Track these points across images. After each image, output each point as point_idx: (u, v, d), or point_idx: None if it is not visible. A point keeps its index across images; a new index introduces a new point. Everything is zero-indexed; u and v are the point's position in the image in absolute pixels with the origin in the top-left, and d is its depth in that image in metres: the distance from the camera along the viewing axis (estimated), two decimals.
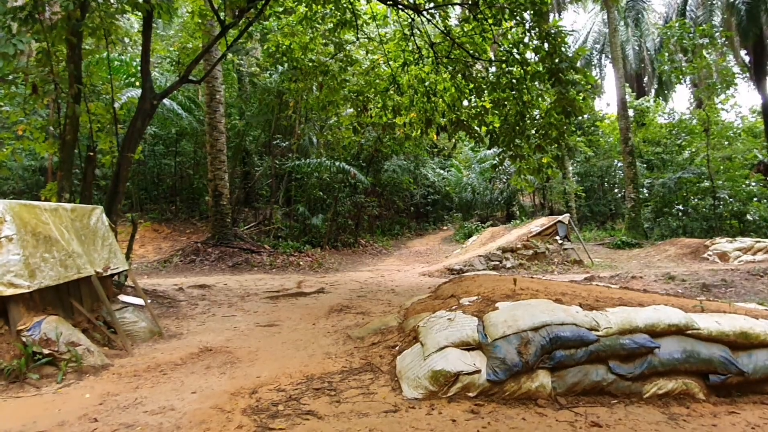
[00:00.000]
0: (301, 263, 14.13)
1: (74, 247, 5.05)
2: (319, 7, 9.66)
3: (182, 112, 16.71)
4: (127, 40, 14.44)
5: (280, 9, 10.18)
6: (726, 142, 22.60)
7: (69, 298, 5.02)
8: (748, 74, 22.22)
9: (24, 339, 4.19)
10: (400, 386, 3.84)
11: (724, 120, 23.83)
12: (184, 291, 8.85)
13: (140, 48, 9.70)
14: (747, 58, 21.72)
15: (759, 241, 14.05)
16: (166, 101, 14.56)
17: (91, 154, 7.68)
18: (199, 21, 11.49)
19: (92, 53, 9.48)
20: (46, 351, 4.18)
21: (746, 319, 4.02)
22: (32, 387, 3.96)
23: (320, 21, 10.34)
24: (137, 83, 14.37)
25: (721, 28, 20.30)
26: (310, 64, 11.11)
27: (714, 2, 21.13)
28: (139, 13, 7.57)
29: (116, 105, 9.13)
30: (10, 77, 7.54)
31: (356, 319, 6.65)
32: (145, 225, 13.49)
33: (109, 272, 5.73)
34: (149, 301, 6.39)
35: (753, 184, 19.22)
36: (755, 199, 19.04)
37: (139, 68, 11.50)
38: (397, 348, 4.59)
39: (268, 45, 11.37)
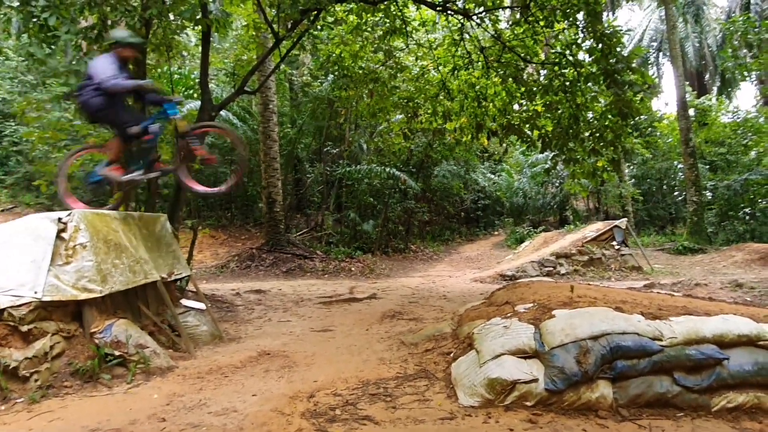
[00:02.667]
0: (352, 269, 14.28)
1: (141, 253, 5.32)
2: (369, 15, 9.78)
3: (237, 121, 17.20)
4: (185, 53, 15.03)
5: (331, 19, 10.38)
6: None
7: (137, 302, 5.27)
8: None
9: (96, 341, 4.44)
10: (455, 393, 3.83)
11: None
12: (241, 296, 9.11)
13: (198, 61, 10.10)
14: None
15: None
16: (222, 112, 15.05)
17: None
18: (254, 34, 11.86)
19: (154, 68, 9.94)
20: (116, 353, 4.42)
21: None
22: (104, 387, 4.18)
23: (370, 29, 10.47)
24: (195, 95, 14.90)
25: None
26: (361, 71, 11.24)
27: None
28: (198, 28, 7.86)
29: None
30: None
31: (409, 325, 6.66)
32: (203, 232, 13.99)
33: (173, 277, 5.99)
34: (209, 305, 6.63)
35: None
36: None
37: (197, 80, 11.97)
38: (451, 355, 4.57)
39: (320, 54, 11.58)
